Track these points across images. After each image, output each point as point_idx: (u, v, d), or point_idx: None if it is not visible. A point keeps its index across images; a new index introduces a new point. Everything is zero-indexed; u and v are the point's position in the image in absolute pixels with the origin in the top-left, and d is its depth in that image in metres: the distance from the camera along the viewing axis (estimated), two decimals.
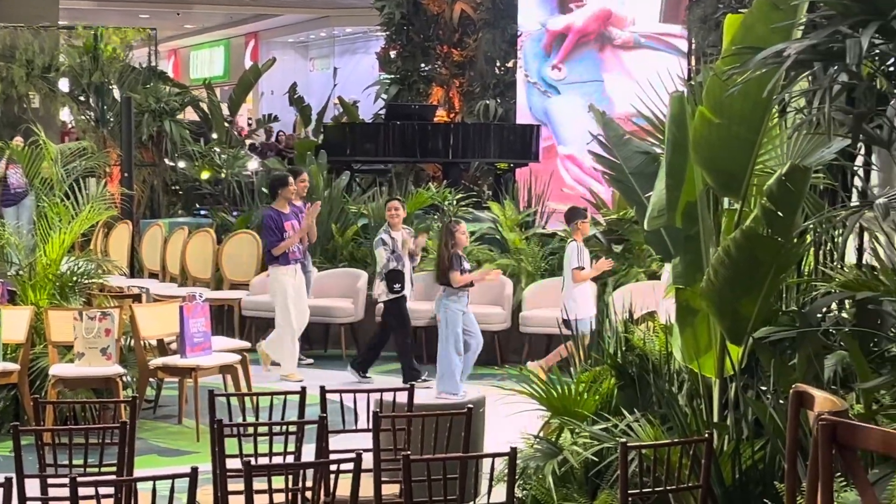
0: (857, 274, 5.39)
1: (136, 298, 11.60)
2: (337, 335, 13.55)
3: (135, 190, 16.85)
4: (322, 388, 6.71)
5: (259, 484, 5.31)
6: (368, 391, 6.91)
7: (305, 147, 18.67)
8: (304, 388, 6.68)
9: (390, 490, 6.16)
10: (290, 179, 12.22)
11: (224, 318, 13.91)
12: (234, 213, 16.66)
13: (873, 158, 6.11)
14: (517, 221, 13.99)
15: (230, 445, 6.11)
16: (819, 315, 5.82)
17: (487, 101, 20.53)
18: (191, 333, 9.96)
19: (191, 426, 9.88)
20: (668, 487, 5.40)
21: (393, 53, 22.01)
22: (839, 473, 4.46)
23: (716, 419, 5.96)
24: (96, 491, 4.93)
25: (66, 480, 4.99)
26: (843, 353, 5.52)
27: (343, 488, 5.56)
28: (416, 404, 6.78)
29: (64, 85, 19.12)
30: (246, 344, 11.29)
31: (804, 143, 5.55)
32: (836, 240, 6.11)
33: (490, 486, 5.58)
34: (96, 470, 5.90)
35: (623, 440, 5.51)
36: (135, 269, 16.18)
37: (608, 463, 6.07)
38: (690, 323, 5.96)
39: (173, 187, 18.89)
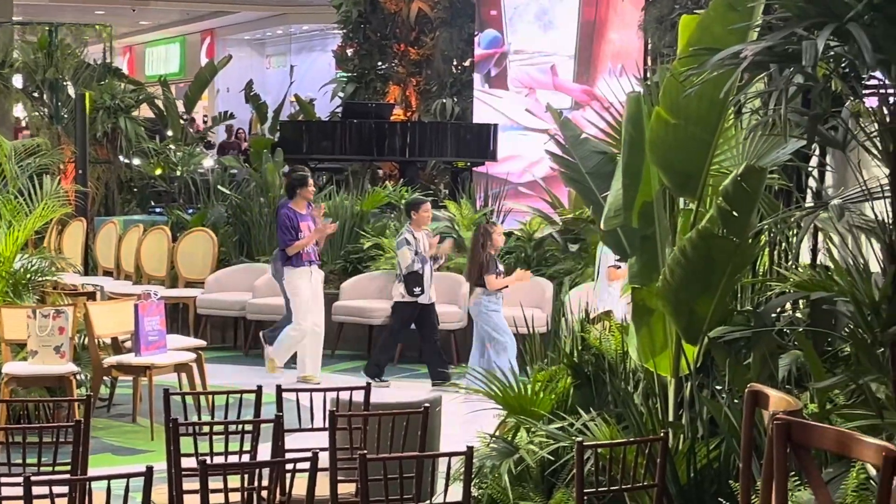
0: (811, 274, 5.43)
1: (91, 296, 11.54)
2: None
3: (89, 187, 16.73)
4: (278, 386, 6.68)
5: (214, 483, 5.28)
6: (325, 389, 6.89)
7: (262, 145, 18.59)
8: (259, 387, 6.66)
9: (346, 489, 6.15)
10: (311, 180, 11.97)
11: (179, 317, 13.84)
12: (190, 211, 16.58)
13: (828, 159, 6.16)
14: (474, 220, 14.00)
15: (185, 444, 6.08)
16: (774, 315, 5.86)
17: (444, 100, 20.53)
18: (145, 332, 9.91)
19: (145, 425, 9.83)
20: (624, 486, 5.41)
21: (350, 51, 21.96)
22: (793, 472, 4.49)
23: (671, 418, 5.98)
24: (50, 490, 4.90)
25: (19, 479, 4.94)
26: (797, 352, 5.56)
27: (299, 487, 5.54)
28: (372, 403, 6.77)
29: (18, 81, 18.97)
30: (201, 342, 11.23)
31: (760, 143, 5.59)
32: (790, 240, 6.16)
33: (446, 485, 5.58)
34: (50, 469, 5.85)
35: (579, 439, 5.52)
36: (89, 266, 16.08)
37: (564, 462, 6.09)
38: (646, 322, 5.99)
39: (128, 185, 18.77)
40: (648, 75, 12.82)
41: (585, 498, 5.29)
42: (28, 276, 10.62)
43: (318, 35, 34.24)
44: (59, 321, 9.47)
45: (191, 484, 5.98)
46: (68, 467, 5.93)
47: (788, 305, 6.02)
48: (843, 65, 4.46)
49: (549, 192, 14.51)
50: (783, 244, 6.23)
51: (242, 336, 13.71)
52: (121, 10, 32.94)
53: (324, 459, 5.56)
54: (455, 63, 21.26)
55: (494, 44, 19.44)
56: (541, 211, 13.90)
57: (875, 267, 4.92)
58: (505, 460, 6.25)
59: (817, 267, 5.84)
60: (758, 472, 4.34)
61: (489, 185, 15.48)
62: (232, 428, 6.22)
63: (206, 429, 6.26)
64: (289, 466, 5.59)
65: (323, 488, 5.75)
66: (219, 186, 15.94)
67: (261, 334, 12.55)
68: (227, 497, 5.35)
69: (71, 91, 18.71)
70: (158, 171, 18.34)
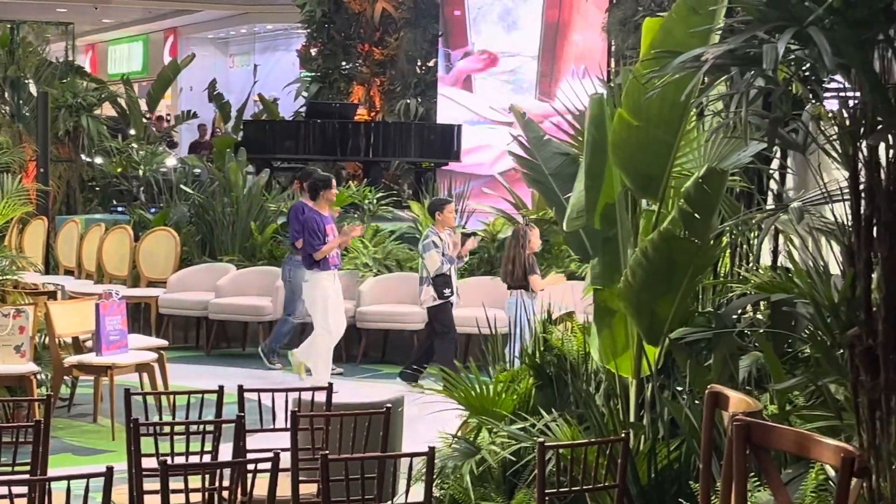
0: (772, 276, 5.46)
1: (52, 295, 11.48)
2: (255, 333, 13.48)
3: (51, 186, 16.64)
4: (240, 386, 6.66)
5: (175, 483, 5.26)
6: (287, 390, 6.88)
7: (225, 144, 18.54)
8: (221, 387, 6.63)
9: (308, 489, 6.14)
10: (334, 182, 11.80)
11: (141, 316, 13.80)
12: (152, 210, 16.51)
13: (789, 162, 6.19)
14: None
15: (146, 444, 6.05)
16: (734, 316, 5.90)
17: (408, 101, 20.53)
18: (107, 331, 9.87)
19: (106, 425, 9.78)
20: (585, 487, 5.43)
21: (314, 51, 21.93)
22: (753, 473, 4.52)
23: (632, 419, 6.00)
24: (9, 490, 4.86)
25: None
26: (757, 353, 5.59)
27: (260, 488, 5.53)
28: (334, 403, 6.76)
29: None
30: (163, 342, 11.19)
31: (721, 146, 5.62)
32: (751, 242, 6.19)
33: (408, 486, 5.57)
34: (10, 469, 5.82)
35: (540, 440, 5.53)
36: (50, 265, 15.99)
37: (525, 462, 6.10)
38: (608, 323, 6.01)
39: (90, 183, 18.67)
40: (612, 77, 12.86)
41: (547, 498, 5.30)
42: None
43: (282, 34, 34.14)
44: (19, 320, 9.41)
45: (152, 484, 5.94)
46: (28, 467, 5.89)
47: (749, 307, 6.05)
48: (803, 68, 4.48)
49: (513, 192, 14.54)
50: (744, 246, 6.26)
51: (205, 336, 13.67)
52: (83, 8, 32.72)
53: (285, 460, 5.54)
54: (419, 63, 21.27)
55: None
56: (504, 212, 13.92)
57: (835, 269, 4.95)
58: (467, 461, 6.25)
59: (778, 269, 5.88)
60: (718, 473, 4.36)
61: (452, 183, 15.48)
62: (193, 428, 6.19)
63: (167, 429, 6.24)
64: (250, 467, 5.58)
65: (284, 489, 5.74)
66: (182, 186, 15.88)
67: (260, 350, 12.52)
68: (187, 497, 5.33)
69: (33, 89, 18.60)
70: (119, 170, 18.24)
